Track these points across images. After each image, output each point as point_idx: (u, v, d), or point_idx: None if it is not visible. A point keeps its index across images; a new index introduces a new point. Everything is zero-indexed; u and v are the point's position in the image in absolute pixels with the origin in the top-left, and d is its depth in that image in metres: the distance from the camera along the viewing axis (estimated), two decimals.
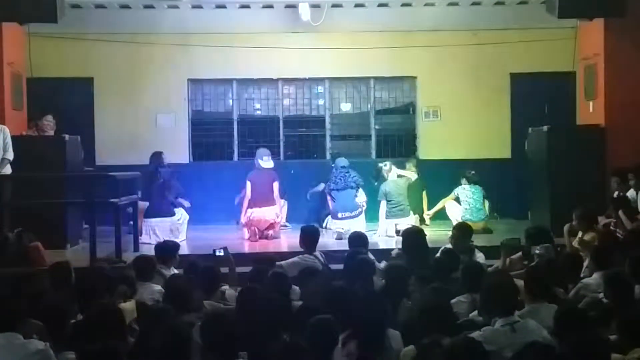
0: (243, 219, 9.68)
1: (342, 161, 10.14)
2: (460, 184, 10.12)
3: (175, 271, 6.50)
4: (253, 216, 9.49)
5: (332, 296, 4.86)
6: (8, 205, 8.39)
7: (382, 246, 8.73)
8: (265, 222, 9.56)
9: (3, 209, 8.33)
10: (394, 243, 8.49)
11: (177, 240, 8.26)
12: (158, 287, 5.78)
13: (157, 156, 9.83)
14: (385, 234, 9.63)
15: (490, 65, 11.43)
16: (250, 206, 9.60)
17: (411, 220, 9.68)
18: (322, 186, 10.42)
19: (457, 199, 10.03)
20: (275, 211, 9.65)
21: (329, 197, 10.00)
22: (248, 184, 9.71)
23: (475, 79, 11.45)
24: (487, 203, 10.08)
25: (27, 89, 10.56)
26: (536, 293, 4.77)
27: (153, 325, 4.33)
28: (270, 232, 9.62)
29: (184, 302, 4.96)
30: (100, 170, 10.06)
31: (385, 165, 10.03)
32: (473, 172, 10.18)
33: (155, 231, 9.29)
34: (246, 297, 4.88)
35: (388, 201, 9.80)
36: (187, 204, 9.81)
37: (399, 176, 9.99)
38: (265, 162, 9.84)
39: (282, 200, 10.05)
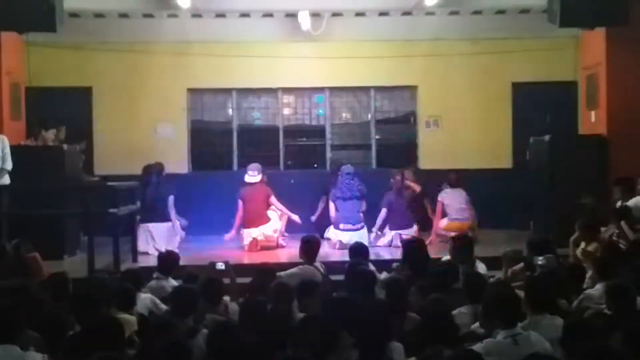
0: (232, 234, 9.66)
1: (348, 168, 10.02)
2: (442, 189, 10.03)
3: (174, 282, 6.44)
4: (252, 237, 9.47)
5: (334, 307, 4.81)
6: (6, 215, 8.34)
7: (386, 257, 8.67)
8: (267, 241, 9.52)
9: (1, 219, 8.28)
10: (399, 254, 8.41)
11: (173, 248, 8.24)
12: (149, 296, 5.75)
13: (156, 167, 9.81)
14: (390, 244, 9.57)
15: (491, 74, 11.40)
16: (246, 226, 9.55)
17: (414, 231, 9.62)
18: (322, 204, 10.32)
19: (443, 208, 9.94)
20: (273, 228, 9.60)
21: (332, 205, 9.90)
22: (240, 202, 9.64)
23: (477, 88, 11.42)
24: (472, 213, 9.94)
25: (25, 98, 10.55)
26: (537, 305, 4.72)
27: (154, 337, 4.28)
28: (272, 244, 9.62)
29: (190, 308, 4.93)
30: (99, 180, 10.01)
31: (397, 175, 9.96)
32: (454, 175, 10.07)
33: (153, 236, 9.24)
34: (249, 309, 4.84)
35: (391, 212, 9.74)
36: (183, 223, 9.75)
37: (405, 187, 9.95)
38: (250, 176, 9.73)
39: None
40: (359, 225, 9.63)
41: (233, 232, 9.70)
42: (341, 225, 9.63)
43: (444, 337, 4.22)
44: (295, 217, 9.79)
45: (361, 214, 9.76)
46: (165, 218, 9.41)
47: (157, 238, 9.22)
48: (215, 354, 3.96)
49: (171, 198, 9.53)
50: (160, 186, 9.51)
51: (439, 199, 10.00)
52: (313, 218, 10.39)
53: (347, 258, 6.99)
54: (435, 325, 4.32)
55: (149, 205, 9.38)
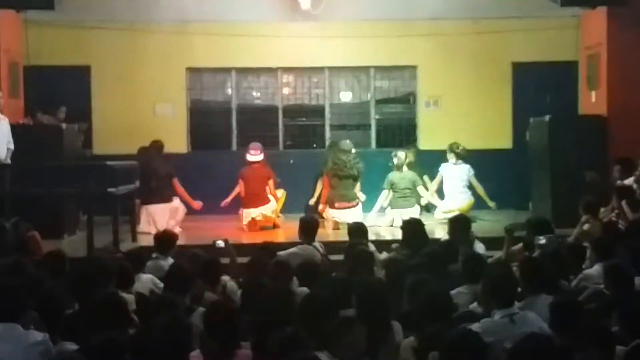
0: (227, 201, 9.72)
1: (346, 145, 9.92)
2: (447, 160, 9.97)
3: (173, 261, 6.44)
4: (252, 217, 9.48)
5: (334, 287, 4.84)
6: (8, 194, 8.33)
7: (388, 237, 8.68)
8: (265, 221, 9.55)
9: (4, 198, 8.27)
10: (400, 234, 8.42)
11: (176, 230, 8.24)
12: (150, 276, 5.77)
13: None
14: (391, 224, 9.57)
15: (491, 54, 11.35)
16: (246, 206, 9.54)
17: (415, 212, 9.60)
18: (319, 186, 10.26)
19: (441, 182, 9.92)
20: (272, 209, 9.61)
21: (327, 181, 9.84)
22: (240, 181, 9.63)
23: (477, 68, 11.37)
24: (479, 187, 9.92)
25: (23, 77, 10.50)
26: (533, 284, 4.74)
27: (153, 316, 4.29)
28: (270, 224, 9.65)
29: (186, 287, 4.94)
30: (98, 160, 10.00)
31: (400, 155, 9.91)
32: (462, 146, 9.99)
33: (155, 218, 9.25)
34: (250, 288, 4.85)
35: (394, 191, 9.73)
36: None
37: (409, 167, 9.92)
38: (252, 155, 9.70)
39: (281, 190, 9.98)
40: (354, 203, 9.62)
41: (228, 199, 9.71)
42: (336, 204, 9.61)
43: (443, 317, 4.24)
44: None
45: (355, 192, 9.73)
46: (166, 198, 9.40)
47: (159, 219, 9.21)
48: (211, 332, 3.97)
49: (175, 180, 9.53)
50: (160, 166, 9.50)
51: (440, 170, 9.98)
52: (312, 201, 10.36)
53: (346, 238, 7.00)
54: (434, 305, 4.33)
55: (150, 187, 9.36)
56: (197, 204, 9.66)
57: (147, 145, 9.85)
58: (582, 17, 10.75)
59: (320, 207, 9.88)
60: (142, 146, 9.91)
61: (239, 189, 9.69)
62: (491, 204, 9.89)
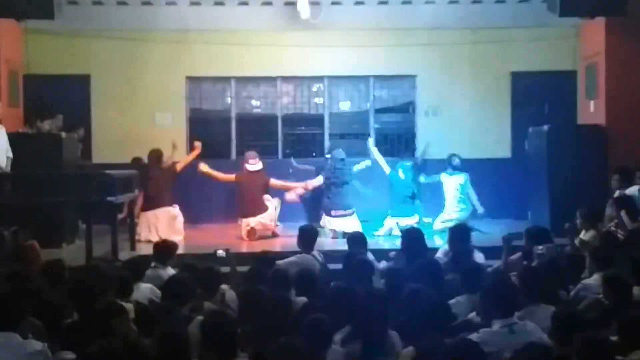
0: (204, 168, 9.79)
1: (339, 153, 10.00)
2: (446, 172, 10.05)
3: (172, 271, 6.44)
4: (251, 226, 9.48)
5: (333, 296, 4.84)
6: (7, 203, 8.32)
7: (386, 245, 8.67)
8: (264, 229, 9.56)
9: (3, 207, 8.26)
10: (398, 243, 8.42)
11: (176, 239, 8.24)
12: (149, 285, 5.76)
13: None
14: (389, 233, 9.57)
15: (490, 64, 11.37)
16: (244, 215, 9.55)
17: (414, 220, 9.62)
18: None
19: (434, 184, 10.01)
20: (270, 217, 9.62)
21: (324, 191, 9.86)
22: (233, 175, 9.66)
23: (476, 77, 11.39)
24: (472, 192, 9.96)
25: (23, 85, 10.52)
26: (532, 294, 4.73)
27: (151, 325, 4.29)
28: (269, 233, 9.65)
29: (185, 297, 4.94)
30: (98, 169, 10.00)
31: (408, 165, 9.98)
32: (458, 157, 10.05)
33: (156, 223, 9.25)
34: (250, 299, 4.85)
35: (393, 197, 9.74)
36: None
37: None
38: (252, 165, 9.73)
39: (276, 199, 9.96)
40: (350, 211, 9.64)
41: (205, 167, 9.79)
42: (333, 212, 9.63)
43: (442, 326, 4.23)
44: (316, 181, 9.83)
45: (351, 201, 9.75)
46: (166, 203, 9.41)
47: (160, 223, 9.21)
48: (209, 342, 3.97)
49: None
50: (160, 173, 9.50)
51: (440, 176, 10.08)
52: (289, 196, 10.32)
53: (345, 247, 7.00)
54: (432, 314, 4.32)
55: (149, 194, 9.36)
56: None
57: (139, 157, 9.85)
58: (581, 27, 10.78)
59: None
60: (135, 157, 9.92)
61: (225, 175, 9.69)
62: (480, 209, 9.90)
